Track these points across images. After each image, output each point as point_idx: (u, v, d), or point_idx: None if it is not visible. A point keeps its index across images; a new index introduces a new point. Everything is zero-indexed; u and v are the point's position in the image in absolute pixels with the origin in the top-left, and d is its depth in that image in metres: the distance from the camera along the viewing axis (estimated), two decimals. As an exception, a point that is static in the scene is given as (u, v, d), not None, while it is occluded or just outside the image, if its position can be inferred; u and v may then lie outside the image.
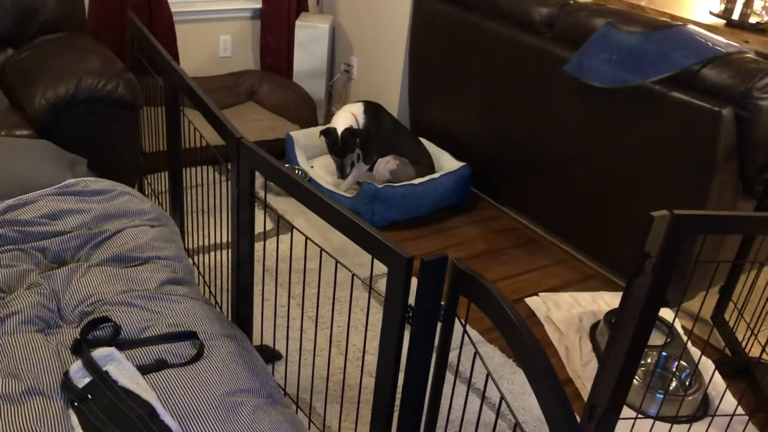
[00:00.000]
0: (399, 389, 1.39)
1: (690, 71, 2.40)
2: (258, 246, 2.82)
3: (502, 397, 1.14)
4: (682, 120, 2.41)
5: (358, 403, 1.69)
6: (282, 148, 3.47)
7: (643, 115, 2.54)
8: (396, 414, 1.44)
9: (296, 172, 3.25)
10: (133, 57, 2.79)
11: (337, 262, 1.48)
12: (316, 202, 1.45)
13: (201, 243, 2.75)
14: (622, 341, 1.70)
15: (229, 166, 1.74)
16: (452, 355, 2.24)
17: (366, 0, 3.87)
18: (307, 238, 1.63)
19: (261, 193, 3.22)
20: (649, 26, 2.56)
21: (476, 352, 1.24)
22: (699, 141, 2.37)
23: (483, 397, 1.30)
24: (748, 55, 2.38)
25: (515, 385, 2.22)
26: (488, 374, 1.24)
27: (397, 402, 1.50)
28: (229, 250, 2.71)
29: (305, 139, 3.47)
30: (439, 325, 1.32)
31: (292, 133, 3.45)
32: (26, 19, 2.92)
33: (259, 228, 2.93)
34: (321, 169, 3.39)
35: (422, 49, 3.53)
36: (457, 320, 1.30)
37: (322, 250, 1.53)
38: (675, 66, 2.42)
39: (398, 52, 3.72)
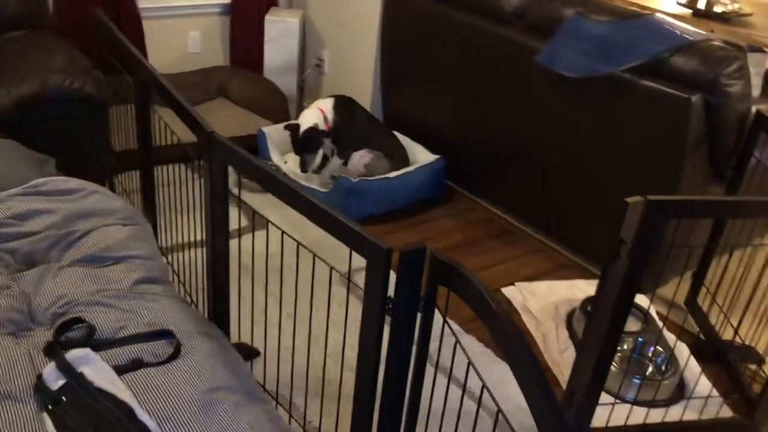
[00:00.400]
0: (379, 382, 1.38)
1: (659, 59, 2.42)
2: (233, 243, 2.78)
3: (484, 386, 1.14)
4: (652, 107, 2.43)
5: (339, 397, 1.69)
6: (254, 144, 3.44)
7: (614, 104, 2.56)
8: (377, 406, 1.43)
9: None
10: (100, 54, 2.74)
11: (314, 256, 1.47)
12: (293, 196, 1.44)
13: (175, 241, 2.71)
14: (599, 327, 1.71)
15: (202, 163, 1.71)
16: (431, 347, 2.24)
17: (336, -6, 3.86)
18: (283, 232, 1.61)
19: (235, 190, 3.19)
20: (618, 15, 2.58)
21: (457, 341, 1.24)
22: (670, 128, 2.39)
23: (464, 387, 1.30)
24: (716, 43, 2.41)
25: (494, 374, 2.22)
26: (469, 363, 1.24)
27: (378, 395, 1.50)
28: (204, 248, 2.68)
29: (278, 134, 3.44)
30: (419, 315, 1.32)
31: (264, 129, 3.42)
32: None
33: (233, 225, 2.90)
34: (295, 165, 3.37)
35: (394, 42, 3.53)
36: (436, 311, 1.30)
37: (299, 244, 1.51)
38: (645, 54, 2.44)
39: (370, 45, 3.71)
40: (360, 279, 2.70)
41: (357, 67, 3.84)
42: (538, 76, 2.79)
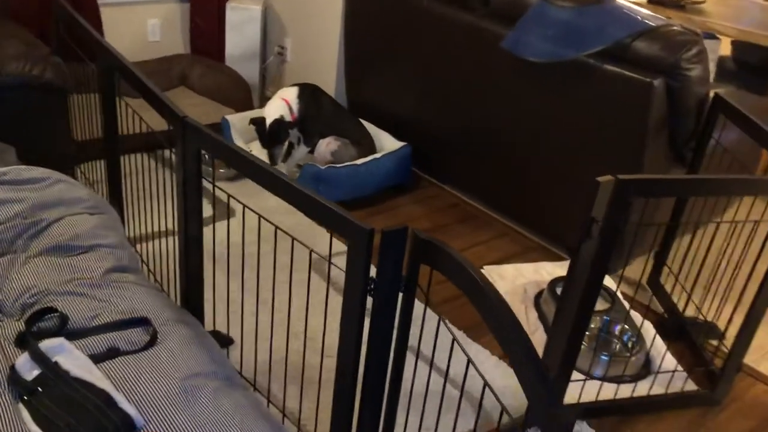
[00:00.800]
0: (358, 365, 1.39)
1: (622, 44, 2.47)
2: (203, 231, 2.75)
3: (469, 360, 1.16)
4: (615, 91, 2.49)
5: (320, 381, 1.69)
6: (218, 133, 3.39)
7: (577, 88, 2.61)
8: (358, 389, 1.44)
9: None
10: (59, 40, 2.67)
11: (293, 239, 1.47)
12: (271, 180, 1.43)
13: (142, 231, 2.67)
14: (570, 306, 1.75)
15: (165, 152, 1.69)
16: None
17: (298, -20, 3.83)
18: (260, 217, 1.60)
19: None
20: (581, 2, 2.63)
21: (441, 320, 1.25)
22: (632, 111, 2.45)
23: (448, 368, 1.32)
24: (676, 28, 2.47)
25: (471, 354, 2.25)
26: (453, 339, 1.26)
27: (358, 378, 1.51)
28: (173, 237, 2.65)
29: (241, 122, 3.41)
30: (400, 296, 1.33)
31: (228, 117, 3.38)
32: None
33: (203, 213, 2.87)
34: (259, 153, 3.34)
35: (357, 30, 3.52)
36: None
37: (277, 228, 1.51)
38: (608, 39, 2.49)
39: (332, 33, 3.69)
40: (335, 263, 2.70)
41: (320, 54, 3.82)
42: (502, 62, 2.82)
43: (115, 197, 2.34)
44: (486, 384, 1.10)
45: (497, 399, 1.06)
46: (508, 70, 2.82)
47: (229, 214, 2.04)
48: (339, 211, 1.30)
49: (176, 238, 1.84)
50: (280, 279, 2.47)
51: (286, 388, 2.01)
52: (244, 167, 1.51)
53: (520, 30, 2.71)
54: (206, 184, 1.78)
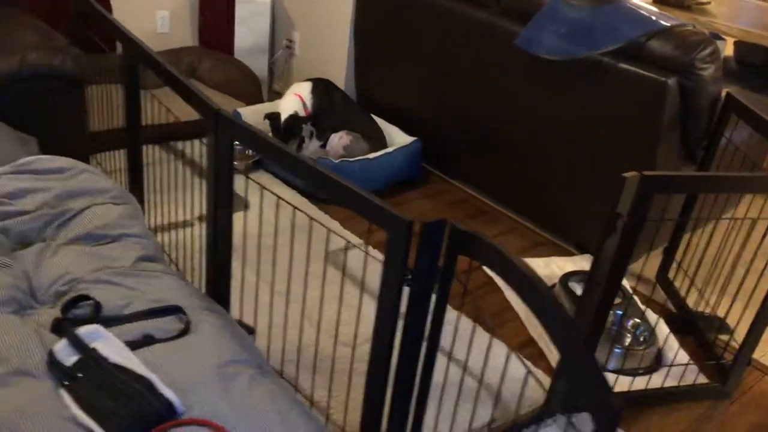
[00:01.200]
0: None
1: (636, 43, 2.51)
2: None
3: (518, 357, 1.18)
4: (629, 90, 2.52)
5: (351, 371, 1.72)
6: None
7: (591, 86, 2.64)
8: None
9: (246, 151, 3.21)
10: (77, 31, 2.68)
11: (328, 231, 1.50)
12: (308, 170, 1.46)
13: (163, 221, 2.69)
14: (592, 299, 1.79)
15: (179, 144, 1.71)
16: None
17: (308, -25, 3.84)
18: (295, 208, 1.63)
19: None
20: (595, 1, 2.66)
21: (475, 312, 1.28)
22: (646, 110, 2.49)
23: (465, 361, 1.35)
24: (689, 28, 2.51)
25: (485, 346, 2.29)
26: (490, 340, 1.29)
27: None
28: (196, 227, 2.67)
29: (253, 116, 3.42)
30: (436, 286, 1.36)
31: (240, 110, 3.40)
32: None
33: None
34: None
35: (368, 24, 3.54)
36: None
37: (311, 218, 1.53)
38: (622, 38, 2.52)
39: (342, 27, 3.71)
40: (346, 257, 2.71)
41: (328, 48, 3.84)
42: (514, 59, 2.86)
43: (136, 187, 2.36)
44: (528, 372, 1.13)
45: (538, 382, 1.09)
46: (520, 67, 2.85)
47: (246, 205, 2.06)
48: (378, 202, 1.33)
49: (193, 229, 1.87)
50: (298, 270, 2.50)
51: (314, 377, 2.04)
52: (279, 157, 1.53)
53: (534, 27, 2.74)
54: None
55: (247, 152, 3.19)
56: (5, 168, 1.96)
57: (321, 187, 1.45)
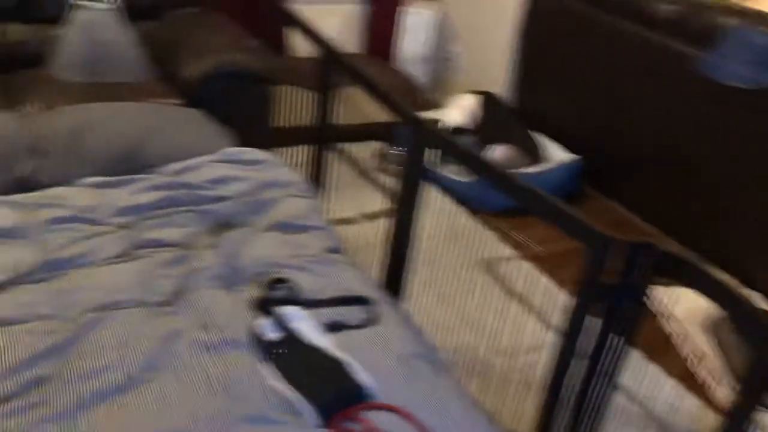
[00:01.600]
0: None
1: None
2: (374, 224, 2.90)
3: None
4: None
5: (509, 379, 1.75)
6: (392, 133, 3.54)
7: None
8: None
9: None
10: (271, 34, 2.89)
11: (525, 241, 1.54)
12: (505, 182, 1.51)
13: (331, 217, 2.86)
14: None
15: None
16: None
17: (478, -11, 3.92)
18: (465, 215, 1.68)
19: (375, 173, 3.30)
20: (789, 26, 2.55)
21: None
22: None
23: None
24: None
25: (647, 375, 2.25)
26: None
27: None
28: (362, 225, 2.78)
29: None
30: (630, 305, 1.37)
31: (403, 117, 3.51)
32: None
33: (374, 207, 3.02)
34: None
35: (535, 40, 3.56)
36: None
37: (474, 226, 1.58)
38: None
39: (504, 42, 3.75)
40: (503, 268, 2.75)
41: (491, 62, 3.89)
42: (690, 84, 2.78)
43: (316, 182, 2.51)
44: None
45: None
46: (701, 94, 2.77)
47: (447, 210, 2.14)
48: (581, 219, 1.36)
49: (362, 226, 1.94)
50: (457, 275, 2.57)
51: (494, 384, 2.09)
52: (473, 165, 1.60)
53: (720, 54, 2.66)
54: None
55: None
56: (212, 156, 2.16)
57: (518, 198, 1.50)
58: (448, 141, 1.65)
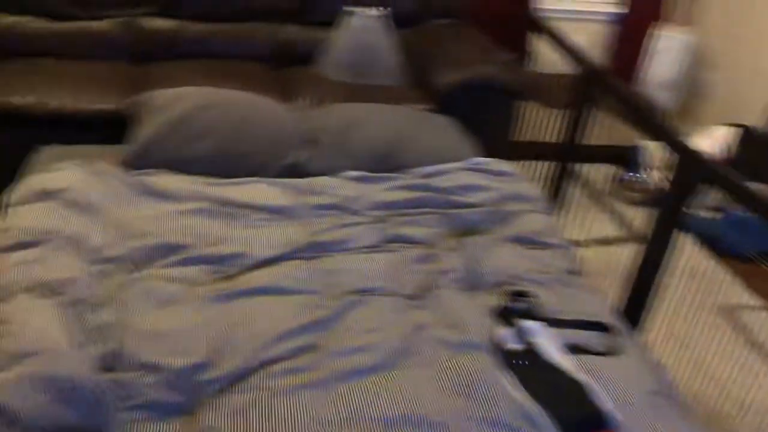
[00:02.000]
0: None
1: None
2: (605, 250, 2.81)
3: None
4: None
5: None
6: (625, 157, 3.41)
7: None
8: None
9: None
10: (515, 47, 2.92)
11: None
12: None
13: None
14: None
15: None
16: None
17: (744, 19, 3.64)
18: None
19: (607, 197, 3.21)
20: None
21: None
22: None
23: None
24: None
25: None
26: None
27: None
28: (592, 249, 2.72)
29: (655, 150, 3.37)
30: None
31: (643, 143, 3.37)
32: (427, 2, 3.18)
33: (603, 232, 2.94)
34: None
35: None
36: None
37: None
38: None
39: (765, 73, 3.45)
40: (745, 316, 2.56)
41: (748, 93, 3.60)
42: None
43: (556, 200, 2.49)
44: None
45: None
46: None
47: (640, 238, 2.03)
48: None
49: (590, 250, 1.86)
50: (688, 316, 2.42)
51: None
52: (751, 205, 1.50)
53: None
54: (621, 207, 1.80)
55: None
56: (461, 164, 2.23)
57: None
58: (729, 178, 1.56)
